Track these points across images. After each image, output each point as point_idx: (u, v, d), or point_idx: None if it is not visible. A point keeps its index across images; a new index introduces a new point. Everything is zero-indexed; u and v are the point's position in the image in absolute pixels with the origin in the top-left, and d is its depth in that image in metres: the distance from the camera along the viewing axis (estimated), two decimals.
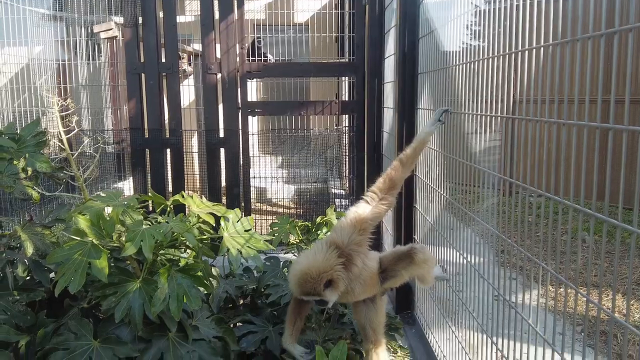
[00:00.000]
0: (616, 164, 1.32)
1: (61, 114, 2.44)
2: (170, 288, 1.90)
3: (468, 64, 2.28)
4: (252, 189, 5.17)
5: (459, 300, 2.42)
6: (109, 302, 1.89)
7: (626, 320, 1.21)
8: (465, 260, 2.33)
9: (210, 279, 2.39)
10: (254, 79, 5.22)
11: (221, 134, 4.73)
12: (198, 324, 2.23)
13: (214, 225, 2.33)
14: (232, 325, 2.72)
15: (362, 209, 2.18)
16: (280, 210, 6.42)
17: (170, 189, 4.84)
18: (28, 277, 2.20)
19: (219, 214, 2.26)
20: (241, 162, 4.79)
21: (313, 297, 2.13)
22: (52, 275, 2.15)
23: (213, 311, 2.58)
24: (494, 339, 1.98)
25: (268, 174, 5.79)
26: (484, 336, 2.08)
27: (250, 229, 2.37)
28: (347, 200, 5.88)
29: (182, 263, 2.09)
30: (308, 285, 2.08)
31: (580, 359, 1.42)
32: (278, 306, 2.80)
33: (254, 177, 5.48)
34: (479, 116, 2.14)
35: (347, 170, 6.21)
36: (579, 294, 1.42)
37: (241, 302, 3.07)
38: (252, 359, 2.55)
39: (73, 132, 2.60)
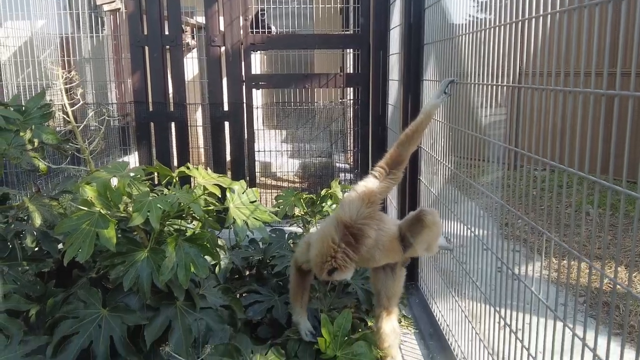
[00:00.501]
0: (621, 134, 1.31)
1: (66, 86, 2.44)
2: (177, 257, 1.93)
3: (474, 34, 2.25)
4: (256, 163, 5.17)
5: (463, 271, 2.45)
6: (117, 271, 1.93)
7: (628, 285, 1.22)
8: (469, 232, 2.34)
9: (217, 249, 2.42)
10: (258, 52, 5.18)
11: (225, 108, 4.71)
12: (205, 293, 2.27)
13: (220, 197, 2.35)
14: (238, 295, 2.77)
15: (370, 184, 2.20)
16: (285, 184, 6.43)
17: (175, 163, 4.85)
18: (37, 248, 2.24)
19: (224, 185, 2.28)
20: (246, 136, 4.79)
21: (326, 279, 2.20)
22: (60, 246, 2.18)
23: (220, 281, 2.62)
24: (497, 308, 2.01)
25: (272, 148, 5.79)
26: (487, 306, 2.11)
27: (256, 201, 2.39)
28: (352, 174, 5.88)
29: (189, 233, 2.11)
30: (317, 271, 2.17)
31: (582, 329, 1.44)
32: (283, 276, 2.84)
33: (259, 151, 5.48)
34: (485, 86, 2.12)
35: (352, 144, 6.19)
36: (582, 264, 1.43)
37: (247, 273, 3.11)
38: (259, 327, 2.60)
39: (78, 105, 2.60)
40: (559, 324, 1.55)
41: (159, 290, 2.03)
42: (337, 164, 6.43)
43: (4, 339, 1.79)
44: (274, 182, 6.63)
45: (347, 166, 6.51)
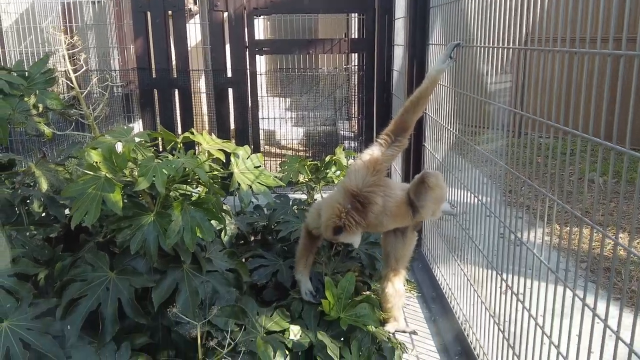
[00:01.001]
0: (625, 98, 1.30)
1: (69, 52, 2.41)
2: (184, 220, 1.94)
3: None
4: (261, 131, 5.16)
5: (466, 236, 2.46)
6: (124, 235, 1.95)
7: (629, 246, 1.23)
8: (474, 198, 2.34)
9: (222, 213, 2.44)
10: (261, 16, 5.10)
11: (229, 74, 4.68)
12: (211, 257, 2.29)
13: (224, 163, 2.35)
14: (244, 260, 2.80)
15: (375, 152, 2.20)
16: (289, 152, 6.43)
17: (179, 130, 4.85)
18: (44, 214, 2.26)
19: (228, 151, 2.27)
20: (249, 103, 4.77)
21: (335, 241, 2.27)
22: (67, 211, 2.20)
23: (225, 246, 2.65)
24: (499, 272, 2.03)
25: (276, 116, 5.76)
26: (489, 270, 2.13)
27: (260, 166, 2.39)
28: (356, 142, 5.87)
29: (194, 198, 2.13)
30: (325, 232, 2.21)
31: (583, 293, 1.45)
32: (288, 242, 2.87)
33: (263, 119, 5.46)
34: (491, 49, 2.09)
35: (356, 111, 6.16)
36: (584, 231, 1.44)
37: (252, 238, 3.15)
38: (264, 291, 2.64)
39: (81, 71, 2.59)
40: (560, 288, 1.56)
41: (166, 253, 2.06)
42: (342, 132, 6.40)
43: (14, 302, 1.82)
44: (278, 150, 6.62)
45: (352, 134, 6.48)
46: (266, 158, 5.71)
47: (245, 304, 2.16)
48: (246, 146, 2.40)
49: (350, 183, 2.18)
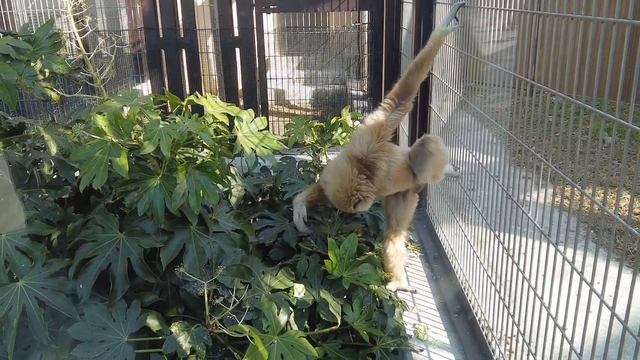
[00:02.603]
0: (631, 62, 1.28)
1: (74, 14, 2.41)
2: (188, 184, 1.99)
3: None
4: (269, 90, 5.14)
5: (469, 198, 2.49)
6: (131, 197, 2.00)
7: (630, 211, 1.25)
8: (475, 160, 2.35)
9: (228, 177, 2.48)
10: None
11: (236, 33, 4.63)
12: (218, 218, 2.35)
13: (229, 125, 2.38)
14: (251, 220, 2.86)
15: (380, 117, 2.21)
16: (298, 112, 6.41)
17: (187, 90, 4.85)
18: (54, 176, 2.31)
19: (232, 114, 2.29)
20: (257, 63, 4.73)
21: (348, 212, 2.33)
22: (76, 174, 2.25)
23: (232, 207, 2.70)
24: (498, 233, 2.06)
25: (285, 76, 5.72)
26: (487, 231, 2.16)
27: (264, 129, 2.41)
28: (365, 102, 5.83)
29: (199, 161, 2.16)
30: (342, 206, 2.27)
31: (582, 254, 1.48)
32: None
33: (271, 79, 5.43)
34: (496, 11, 2.05)
35: (366, 70, 6.09)
36: (587, 190, 1.45)
37: (259, 199, 3.20)
38: (270, 250, 2.71)
39: (87, 33, 2.59)
40: (552, 249, 1.59)
41: (173, 215, 2.11)
42: (351, 91, 6.35)
43: (28, 262, 1.90)
44: (287, 110, 6.60)
45: (361, 93, 6.43)
46: (275, 118, 5.71)
47: (251, 264, 2.22)
48: (250, 109, 2.41)
49: (355, 149, 2.21)
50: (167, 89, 4.69)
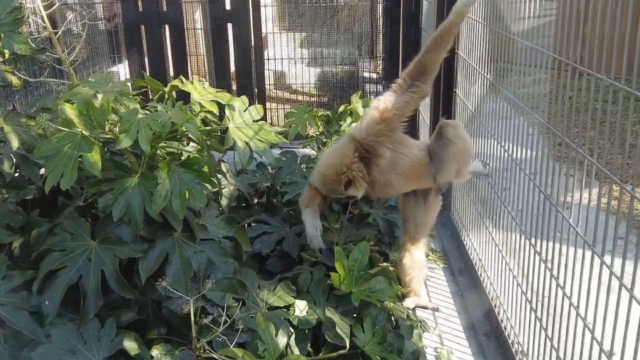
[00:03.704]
0: None
1: None
2: (171, 184, 1.99)
3: None
4: (267, 73, 5.14)
5: (500, 200, 2.48)
6: (105, 199, 2.01)
7: None
8: (508, 155, 2.35)
9: (218, 175, 2.49)
10: None
11: (227, 6, 4.64)
12: (206, 224, 2.36)
13: (219, 115, 2.38)
14: (245, 226, 2.87)
15: (387, 98, 2.22)
16: (301, 98, 6.42)
17: (171, 73, 4.87)
18: (16, 174, 2.32)
19: (223, 102, 2.30)
20: (252, 41, 4.74)
21: (338, 195, 2.35)
22: (42, 171, 2.26)
23: (223, 210, 2.71)
24: (534, 241, 2.05)
25: (285, 55, 5.73)
26: (522, 238, 2.16)
27: (260, 119, 2.42)
28: (380, 85, 5.83)
29: (184, 157, 2.17)
30: (329, 186, 2.32)
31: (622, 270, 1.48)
32: (295, 205, 2.92)
33: (269, 59, 5.44)
34: None
35: (381, 49, 6.08)
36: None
37: (255, 201, 3.21)
38: (267, 261, 2.72)
39: (55, 7, 2.60)
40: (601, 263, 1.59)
41: (154, 220, 2.12)
42: (363, 74, 6.34)
43: None
44: (288, 96, 6.61)
45: (375, 76, 6.42)
46: (274, 105, 5.71)
47: (245, 277, 2.23)
48: (244, 96, 2.42)
49: (354, 131, 2.28)
50: (147, 72, 4.71)
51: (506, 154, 2.37)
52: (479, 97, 2.86)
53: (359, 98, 3.33)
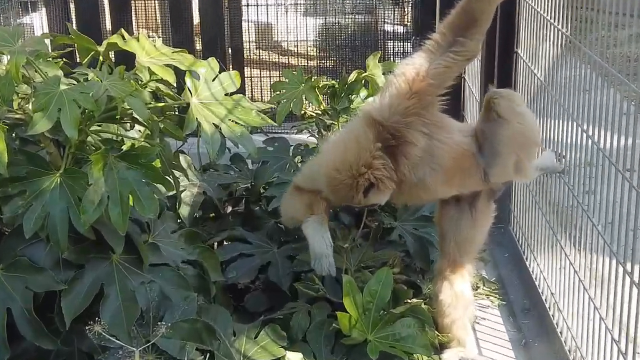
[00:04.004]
0: None
1: None
2: (108, 184, 1.99)
3: None
4: (245, 25, 5.14)
5: (581, 208, 2.48)
6: (13, 208, 2.01)
7: None
8: (593, 143, 2.35)
9: (176, 172, 2.49)
10: None
11: None
12: (158, 242, 2.36)
13: (177, 86, 2.38)
14: (214, 245, 2.86)
15: (419, 62, 2.21)
16: (295, 62, 6.41)
17: (108, 25, 4.87)
18: None
19: (182, 67, 2.30)
20: None
21: (353, 204, 2.35)
22: None
23: (183, 223, 2.71)
24: (630, 268, 2.05)
25: (272, 1, 5.73)
26: (615, 264, 2.15)
27: (236, 92, 2.41)
28: (408, 43, 5.82)
29: (126, 146, 2.17)
30: (340, 193, 2.26)
31: None
32: None
33: (249, 5, 5.43)
34: None
35: None
36: None
37: (229, 209, 3.20)
38: (246, 296, 2.72)
39: None
40: None
41: (83, 237, 2.12)
42: (385, 26, 6.34)
43: None
44: (276, 58, 6.61)
45: (401, 29, 6.42)
46: (255, 72, 5.70)
47: (214, 318, 2.24)
48: (212, 59, 2.41)
49: (372, 109, 2.23)
50: (73, 24, 4.70)
51: (590, 142, 2.36)
52: (551, 61, 2.86)
53: (378, 61, 3.33)
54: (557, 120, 2.71)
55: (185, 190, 2.79)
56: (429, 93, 2.20)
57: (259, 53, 6.39)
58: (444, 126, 2.29)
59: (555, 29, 2.72)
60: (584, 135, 2.43)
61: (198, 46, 4.95)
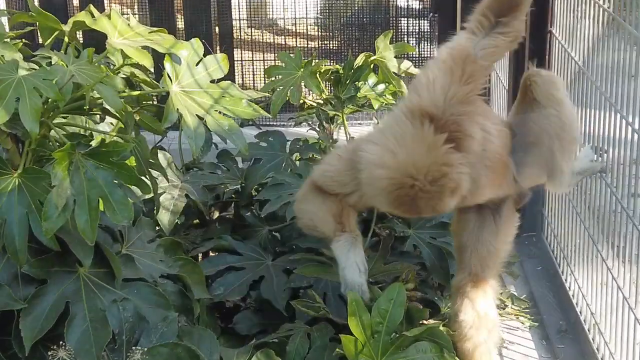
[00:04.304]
0: None
1: None
2: (74, 187, 1.99)
3: None
4: (235, 0, 5.13)
5: (626, 213, 2.48)
6: None
7: None
8: (638, 138, 2.35)
9: (152, 171, 2.49)
10: None
11: None
12: (133, 253, 2.37)
13: (155, 72, 2.38)
14: (198, 257, 2.87)
15: (464, 44, 2.23)
16: (292, 42, 6.42)
17: (75, 2, 4.88)
18: None
19: (161, 50, 2.30)
20: None
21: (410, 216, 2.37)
22: None
23: (162, 231, 2.72)
24: None
25: None
26: None
27: (225, 79, 2.42)
28: (426, 21, 5.84)
29: (96, 142, 2.17)
30: (421, 203, 2.14)
31: None
32: (281, 222, 2.93)
33: None
34: None
35: None
36: None
37: (215, 214, 3.21)
38: (236, 315, 2.71)
39: None
40: None
41: (46, 248, 2.12)
42: (397, 2, 6.36)
43: None
44: (271, 39, 6.62)
45: (417, 5, 6.43)
46: (247, 54, 5.71)
47: (198, 342, 2.24)
48: (196, 40, 2.42)
49: (423, 99, 2.21)
50: (32, 2, 4.71)
51: (636, 136, 2.36)
52: (590, 41, 2.86)
53: (389, 43, 3.33)
54: (597, 111, 2.72)
55: (164, 192, 2.80)
56: (479, 74, 2.21)
57: (251, 32, 6.39)
58: (488, 115, 2.30)
59: (596, 4, 2.72)
60: (629, 128, 2.43)
61: (180, 24, 4.96)
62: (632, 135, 2.41)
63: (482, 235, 2.51)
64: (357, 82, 3.26)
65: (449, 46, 2.26)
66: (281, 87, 3.22)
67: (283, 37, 6.56)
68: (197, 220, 3.08)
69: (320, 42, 6.27)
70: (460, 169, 2.12)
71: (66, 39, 2.39)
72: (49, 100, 2.03)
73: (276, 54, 5.05)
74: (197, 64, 2.39)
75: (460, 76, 2.17)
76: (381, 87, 3.29)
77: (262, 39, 6.49)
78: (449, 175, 2.10)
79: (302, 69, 3.24)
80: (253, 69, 5.56)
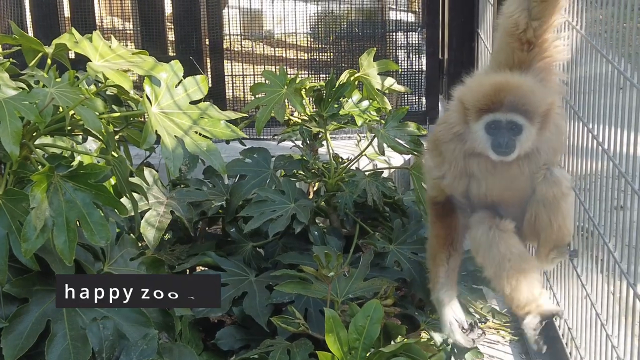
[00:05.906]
0: None
1: None
2: (53, 208, 2.02)
3: None
4: (229, 11, 5.13)
5: (593, 226, 2.50)
6: None
7: None
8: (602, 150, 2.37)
9: (134, 190, 2.51)
10: None
11: None
12: (115, 271, 2.38)
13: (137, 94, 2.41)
14: (185, 272, 2.88)
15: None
16: (285, 54, 6.40)
17: (66, 13, 4.85)
18: None
19: (140, 72, 2.33)
20: None
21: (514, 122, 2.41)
22: None
23: (146, 247, 2.73)
24: None
25: None
26: (633, 296, 2.17)
27: (203, 99, 2.44)
28: (417, 35, 5.82)
29: (75, 164, 2.19)
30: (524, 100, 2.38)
31: None
32: (264, 239, 2.94)
33: None
34: None
35: None
36: None
37: (201, 230, 3.22)
38: (218, 332, 2.72)
39: None
40: None
41: (26, 268, 2.14)
42: (392, 13, 6.32)
43: None
44: (262, 50, 6.60)
45: (412, 19, 6.39)
46: (237, 67, 5.71)
47: (179, 357, 2.26)
48: (175, 62, 2.44)
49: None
50: (14, 27, 4.69)
51: (600, 148, 2.39)
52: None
53: (372, 58, 3.35)
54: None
55: (150, 209, 2.81)
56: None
57: (242, 45, 6.38)
58: None
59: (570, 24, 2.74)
60: (592, 137, 2.47)
61: (171, 36, 4.97)
62: (596, 147, 2.44)
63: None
64: (341, 99, 3.27)
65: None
66: (265, 105, 3.23)
67: (273, 49, 6.53)
68: (183, 236, 3.09)
69: (318, 55, 6.25)
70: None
71: (49, 61, 2.42)
72: (30, 122, 2.05)
73: (269, 67, 5.05)
74: (176, 86, 2.42)
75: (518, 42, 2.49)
76: (365, 103, 3.31)
77: (254, 52, 6.48)
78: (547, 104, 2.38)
79: (286, 87, 3.25)
80: (246, 82, 5.55)
